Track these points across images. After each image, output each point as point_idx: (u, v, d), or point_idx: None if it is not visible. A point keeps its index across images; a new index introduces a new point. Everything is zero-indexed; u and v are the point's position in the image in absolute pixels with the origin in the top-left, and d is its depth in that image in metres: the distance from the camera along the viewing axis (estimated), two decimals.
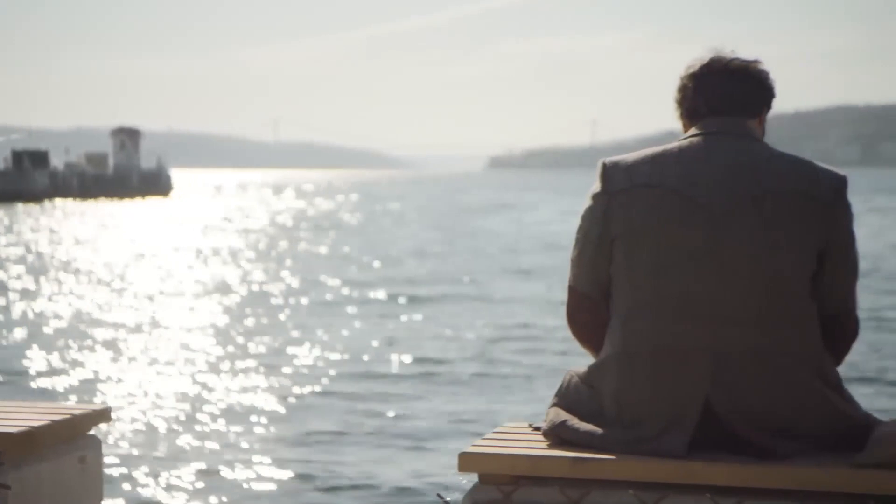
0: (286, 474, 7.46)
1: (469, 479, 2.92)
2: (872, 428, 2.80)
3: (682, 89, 3.07)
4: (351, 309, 16.24)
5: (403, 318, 15.15)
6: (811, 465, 2.74)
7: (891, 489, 2.66)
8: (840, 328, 2.92)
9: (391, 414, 9.48)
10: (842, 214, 2.88)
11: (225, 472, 7.41)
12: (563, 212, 50.00)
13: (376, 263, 24.10)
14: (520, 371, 11.00)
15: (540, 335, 13.29)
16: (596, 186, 3.02)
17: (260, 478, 7.26)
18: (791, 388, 2.83)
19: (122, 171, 78.98)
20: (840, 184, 2.89)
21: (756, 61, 3.06)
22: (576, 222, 3.07)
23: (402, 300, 16.70)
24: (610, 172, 3.01)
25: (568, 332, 3.04)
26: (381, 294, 17.44)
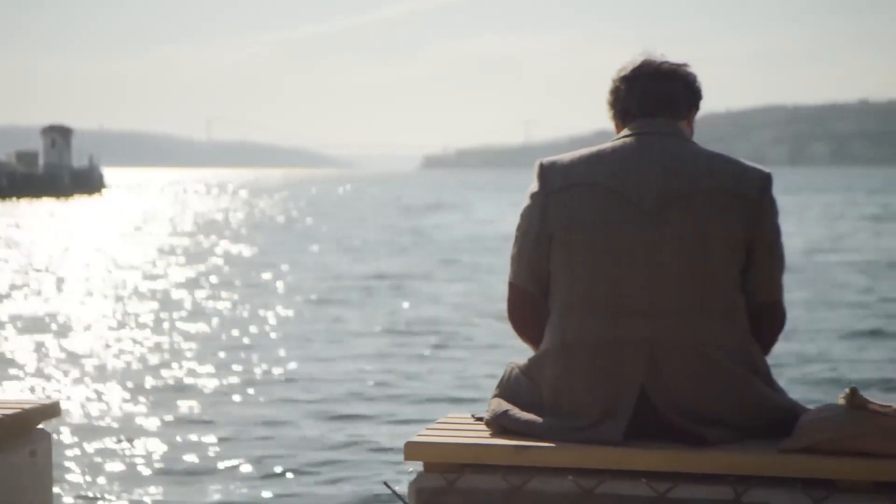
0: (234, 463, 7.52)
1: (415, 468, 3.02)
2: (798, 415, 2.94)
3: (615, 91, 3.19)
4: (288, 303, 16.27)
5: (338, 312, 15.22)
6: (740, 450, 2.87)
7: (815, 472, 2.79)
8: (768, 319, 3.06)
9: (337, 400, 9.60)
10: (768, 210, 3.01)
11: (174, 464, 7.44)
12: (498, 210, 50.24)
13: (314, 261, 24.11)
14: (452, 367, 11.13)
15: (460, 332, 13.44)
16: (534, 186, 3.13)
17: (210, 470, 7.31)
18: (722, 378, 2.96)
19: (53, 169, 78.04)
20: (765, 181, 3.02)
21: (685, 64, 3.19)
22: (511, 220, 3.18)
23: (340, 298, 16.73)
24: (547, 172, 3.12)
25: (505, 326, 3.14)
26: (317, 294, 17.48)
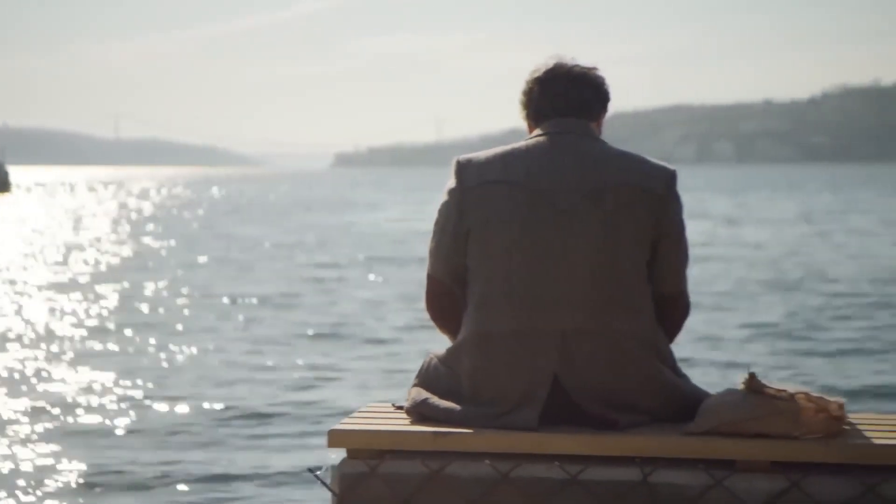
0: (156, 459, 7.54)
1: (338, 455, 3.13)
2: (701, 400, 3.11)
3: (528, 92, 3.33)
4: (191, 303, 16.20)
5: (251, 312, 15.22)
6: (648, 434, 3.03)
7: (717, 453, 2.96)
8: (673, 309, 3.22)
9: (257, 395, 9.64)
10: (673, 205, 3.17)
11: (66, 463, 7.42)
12: (409, 208, 50.37)
13: (216, 260, 23.96)
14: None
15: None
16: (451, 182, 3.26)
17: (115, 471, 7.30)
18: (630, 365, 3.12)
19: None
20: (670, 177, 3.18)
21: (594, 68, 3.34)
22: (422, 218, 3.31)
23: (249, 300, 16.69)
24: (464, 169, 3.25)
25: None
26: (227, 293, 17.44)
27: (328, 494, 3.08)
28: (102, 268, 22.61)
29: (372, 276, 20.05)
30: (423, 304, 3.36)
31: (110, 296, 17.25)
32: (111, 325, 13.89)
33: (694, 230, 29.35)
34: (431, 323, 3.35)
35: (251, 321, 14.34)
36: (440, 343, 3.33)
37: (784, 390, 2.99)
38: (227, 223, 40.71)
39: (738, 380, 3.05)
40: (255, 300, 16.50)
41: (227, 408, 9.01)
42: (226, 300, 16.58)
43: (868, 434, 3.00)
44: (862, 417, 3.19)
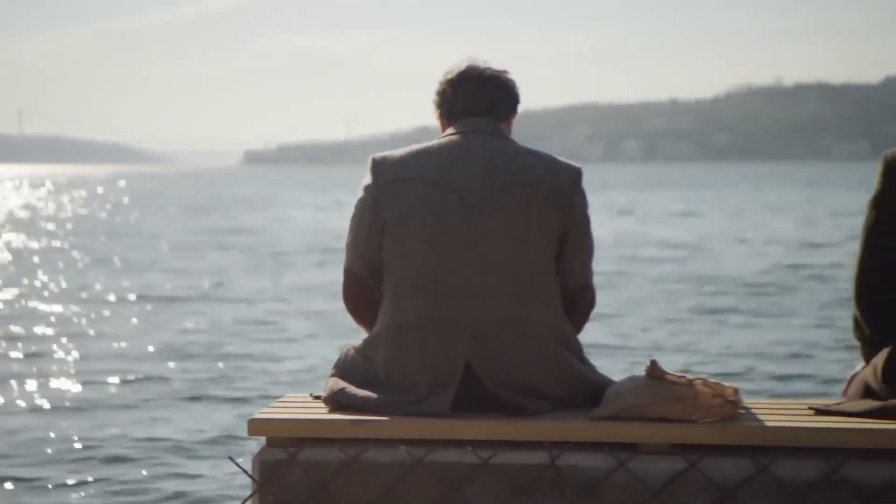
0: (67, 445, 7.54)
1: (258, 443, 3.23)
2: (607, 386, 3.27)
3: (442, 93, 3.46)
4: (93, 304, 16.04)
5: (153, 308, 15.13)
6: (555, 419, 3.18)
7: (621, 437, 3.11)
8: (579, 300, 3.37)
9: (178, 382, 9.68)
10: (579, 201, 3.33)
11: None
12: (319, 206, 50.26)
13: (120, 261, 23.71)
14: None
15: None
16: (367, 179, 3.38)
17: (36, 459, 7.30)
18: (539, 355, 3.26)
19: None
20: (576, 175, 3.34)
21: (505, 71, 3.49)
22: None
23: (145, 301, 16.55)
24: (379, 166, 3.38)
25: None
26: (131, 292, 17.29)
27: (248, 481, 3.18)
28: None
29: (276, 275, 20.03)
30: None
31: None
32: None
33: (602, 226, 29.80)
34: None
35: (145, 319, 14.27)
36: (345, 337, 3.45)
37: (683, 376, 3.15)
38: (129, 220, 40.27)
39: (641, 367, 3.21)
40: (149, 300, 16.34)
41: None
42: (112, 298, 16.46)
43: (761, 417, 3.18)
44: (755, 402, 3.37)
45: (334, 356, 3.64)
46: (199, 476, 6.86)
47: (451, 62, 3.51)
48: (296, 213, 42.40)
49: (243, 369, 10.68)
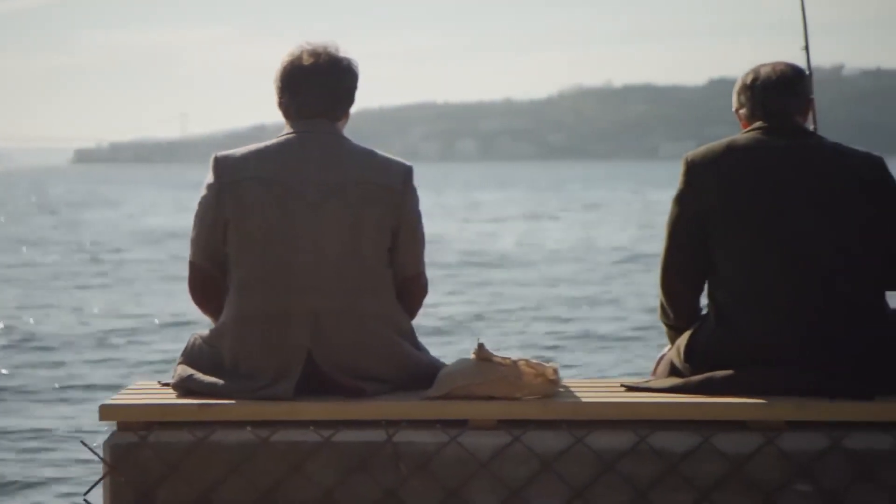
0: None
1: (109, 427, 3.39)
2: (439, 369, 3.53)
3: (279, 90, 3.64)
4: None
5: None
6: (391, 400, 3.43)
7: (452, 414, 3.38)
8: (412, 289, 3.62)
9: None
10: (409, 198, 3.57)
11: None
12: (152, 204, 49.52)
13: None
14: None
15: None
16: (210, 177, 3.57)
17: None
18: (375, 341, 3.50)
19: None
20: (407, 173, 3.58)
21: (344, 67, 3.59)
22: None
23: None
24: (221, 165, 3.57)
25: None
26: None
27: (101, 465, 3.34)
28: None
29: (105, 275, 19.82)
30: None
31: None
32: None
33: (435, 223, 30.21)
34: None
35: None
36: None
37: (508, 358, 3.44)
38: None
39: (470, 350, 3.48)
40: None
41: None
42: None
43: (578, 394, 3.48)
44: (574, 381, 3.68)
45: (176, 346, 3.82)
46: (51, 463, 6.94)
47: (291, 49, 3.57)
48: (128, 211, 41.74)
49: (86, 363, 10.72)
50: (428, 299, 3.72)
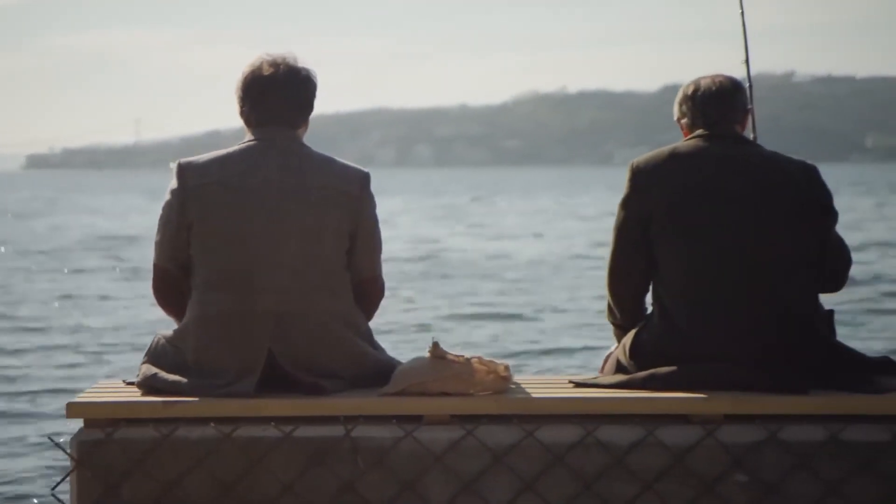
0: None
1: (76, 424, 3.51)
2: (394, 367, 3.67)
3: (240, 101, 3.78)
4: None
5: None
6: (350, 396, 3.57)
7: (407, 410, 3.52)
8: (369, 291, 3.76)
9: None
10: (367, 203, 3.71)
11: None
12: (107, 212, 49.31)
13: None
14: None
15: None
16: (173, 183, 3.70)
17: None
18: (333, 341, 3.64)
19: None
20: (364, 179, 3.72)
21: (303, 76, 3.71)
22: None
23: None
24: (185, 171, 3.70)
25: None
26: None
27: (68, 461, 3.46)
28: None
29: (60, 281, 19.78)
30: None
31: None
32: None
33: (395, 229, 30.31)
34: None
35: None
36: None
37: (461, 356, 3.59)
38: None
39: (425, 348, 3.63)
40: None
41: None
42: None
43: (528, 390, 3.64)
44: (524, 378, 3.84)
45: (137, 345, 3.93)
46: (19, 457, 7.06)
47: (251, 60, 3.72)
48: (80, 218, 41.52)
49: (46, 364, 10.82)
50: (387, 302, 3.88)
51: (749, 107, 3.84)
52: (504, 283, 18.43)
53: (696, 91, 3.78)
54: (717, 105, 3.75)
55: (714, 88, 3.76)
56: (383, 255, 3.80)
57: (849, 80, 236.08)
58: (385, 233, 3.80)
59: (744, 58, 4.43)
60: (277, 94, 3.69)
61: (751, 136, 3.98)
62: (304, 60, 3.76)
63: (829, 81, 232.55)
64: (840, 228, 3.79)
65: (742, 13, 4.53)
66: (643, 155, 3.80)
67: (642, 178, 3.71)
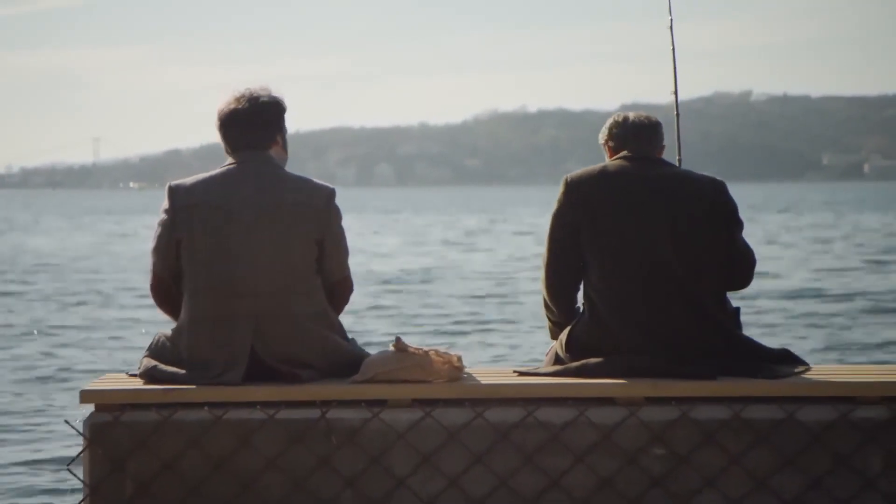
0: None
1: (88, 409, 4.06)
2: (364, 358, 4.23)
3: (219, 129, 4.35)
4: None
5: None
6: (324, 384, 4.13)
7: (373, 395, 4.08)
8: (339, 291, 4.32)
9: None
10: (333, 216, 4.26)
11: None
12: (62, 228, 49.42)
13: None
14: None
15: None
16: (165, 203, 4.26)
17: None
18: (308, 336, 4.20)
19: None
20: (330, 195, 4.27)
21: (274, 102, 4.28)
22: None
23: None
24: (174, 193, 4.27)
25: None
26: None
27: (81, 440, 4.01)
28: None
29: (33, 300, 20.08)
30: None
31: None
32: None
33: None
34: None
35: None
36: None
37: (420, 349, 4.17)
38: None
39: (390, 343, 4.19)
40: None
41: None
42: None
43: (478, 378, 4.22)
44: (475, 368, 4.43)
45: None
46: (35, 441, 7.69)
47: (225, 97, 4.28)
48: (41, 239, 41.54)
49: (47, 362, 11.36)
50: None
51: (663, 144, 4.43)
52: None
53: (626, 120, 4.39)
54: (644, 133, 4.36)
55: (641, 120, 4.37)
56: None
57: (804, 100, 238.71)
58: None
59: (672, 88, 5.00)
60: (241, 123, 4.25)
61: (675, 160, 4.59)
62: (274, 90, 4.31)
63: (785, 101, 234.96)
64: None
65: (673, 49, 5.05)
66: (577, 170, 4.39)
67: (573, 191, 4.30)
